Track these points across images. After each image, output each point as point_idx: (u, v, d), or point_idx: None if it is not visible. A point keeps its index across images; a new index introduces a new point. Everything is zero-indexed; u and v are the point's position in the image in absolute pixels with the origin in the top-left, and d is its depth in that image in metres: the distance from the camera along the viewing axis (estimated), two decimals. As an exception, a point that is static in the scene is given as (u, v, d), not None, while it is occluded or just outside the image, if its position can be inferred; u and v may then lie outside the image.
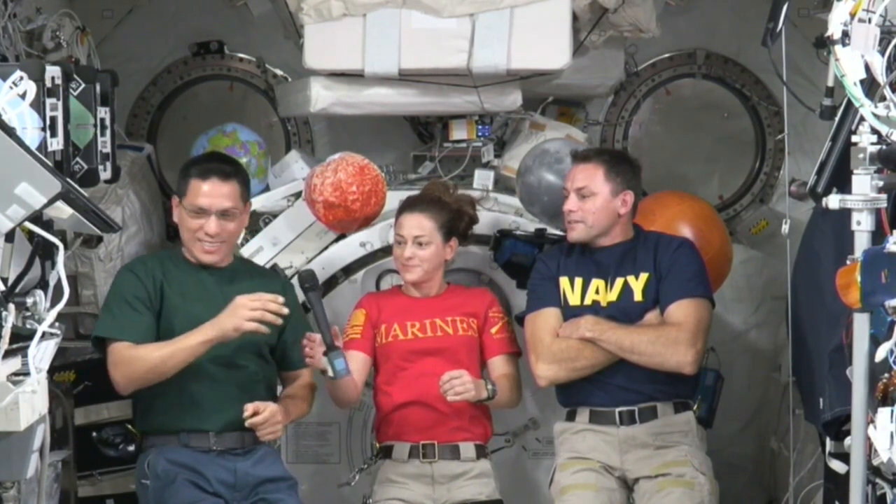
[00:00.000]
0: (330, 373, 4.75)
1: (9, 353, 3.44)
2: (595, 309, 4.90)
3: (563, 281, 4.95)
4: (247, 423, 4.62)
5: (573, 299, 4.93)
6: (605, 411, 4.88)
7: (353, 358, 4.95)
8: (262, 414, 4.62)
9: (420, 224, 5.01)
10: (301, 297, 4.98)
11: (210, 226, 4.70)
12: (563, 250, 5.04)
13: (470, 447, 4.99)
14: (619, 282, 4.91)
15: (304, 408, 4.93)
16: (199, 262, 4.78)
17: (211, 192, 4.71)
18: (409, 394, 4.95)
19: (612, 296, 4.91)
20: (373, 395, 5.11)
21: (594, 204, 4.90)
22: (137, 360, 4.60)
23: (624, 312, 4.88)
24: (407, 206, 5.07)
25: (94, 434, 5.59)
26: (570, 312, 4.91)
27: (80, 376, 5.43)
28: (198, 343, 4.57)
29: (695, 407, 4.99)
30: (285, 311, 4.59)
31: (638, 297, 4.89)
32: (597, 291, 4.92)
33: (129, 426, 5.20)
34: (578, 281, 4.94)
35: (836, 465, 4.20)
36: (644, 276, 4.90)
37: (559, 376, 4.88)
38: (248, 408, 4.61)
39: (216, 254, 4.76)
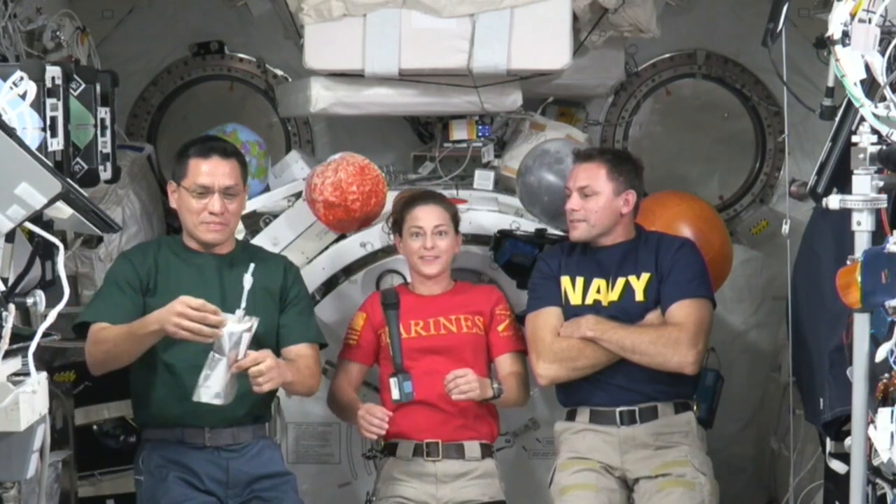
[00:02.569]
0: (395, 395, 4.73)
1: (9, 353, 3.44)
2: (596, 308, 4.90)
3: (565, 280, 4.95)
4: (251, 370, 4.39)
5: (574, 299, 4.93)
6: (606, 411, 4.87)
7: (349, 369, 5.01)
8: (262, 364, 4.39)
9: (438, 214, 5.03)
10: (307, 283, 4.94)
11: (214, 204, 4.62)
12: (564, 249, 5.04)
13: (475, 446, 4.98)
14: (620, 281, 4.90)
15: (305, 374, 4.68)
16: (199, 248, 4.70)
17: (213, 170, 4.64)
18: (414, 392, 4.94)
19: (614, 295, 4.91)
20: (379, 394, 5.10)
21: (597, 203, 4.90)
22: (101, 341, 4.47)
23: (625, 312, 4.87)
24: (419, 200, 5.07)
25: (95, 427, 5.58)
26: (571, 312, 4.91)
27: (80, 376, 5.41)
28: (145, 333, 4.37)
29: (695, 407, 4.99)
30: (220, 333, 4.27)
31: (639, 296, 4.89)
32: (598, 291, 4.92)
33: (130, 420, 5.21)
34: (580, 280, 4.94)
35: (837, 466, 4.20)
36: (645, 276, 4.89)
37: (560, 375, 4.88)
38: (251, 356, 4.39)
39: (221, 232, 4.66)
